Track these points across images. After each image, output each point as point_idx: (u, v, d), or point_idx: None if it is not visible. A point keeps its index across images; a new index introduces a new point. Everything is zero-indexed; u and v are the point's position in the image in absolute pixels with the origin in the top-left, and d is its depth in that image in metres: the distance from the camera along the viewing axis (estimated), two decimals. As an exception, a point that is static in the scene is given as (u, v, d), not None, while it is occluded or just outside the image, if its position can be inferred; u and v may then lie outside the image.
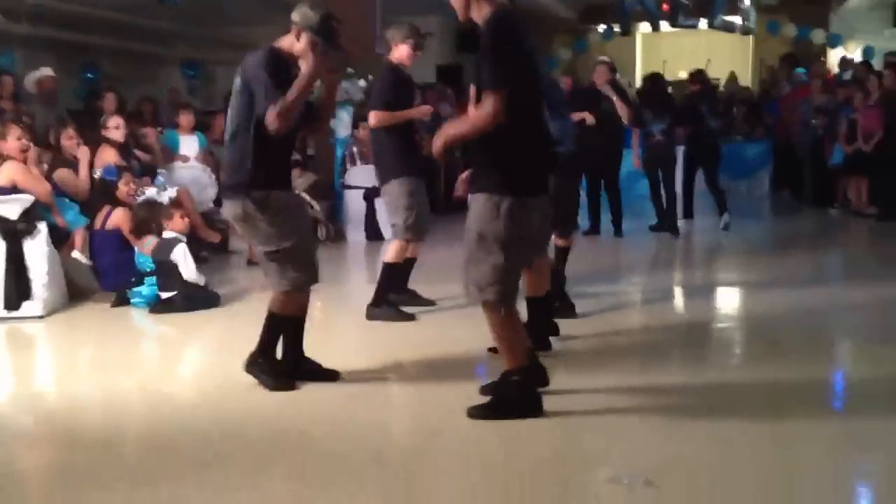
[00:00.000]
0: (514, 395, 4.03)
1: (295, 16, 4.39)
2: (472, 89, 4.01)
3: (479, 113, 3.83)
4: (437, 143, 4.02)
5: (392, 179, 6.06)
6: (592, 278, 6.84)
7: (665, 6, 16.24)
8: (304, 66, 4.28)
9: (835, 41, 16.97)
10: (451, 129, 4.11)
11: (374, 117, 6.03)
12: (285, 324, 4.58)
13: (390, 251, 6.17)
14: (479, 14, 3.94)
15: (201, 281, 6.79)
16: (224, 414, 4.29)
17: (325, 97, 4.60)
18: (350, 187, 10.44)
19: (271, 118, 4.17)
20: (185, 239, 6.85)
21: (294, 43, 4.38)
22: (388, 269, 6.13)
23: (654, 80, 10.21)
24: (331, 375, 4.68)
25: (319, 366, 4.69)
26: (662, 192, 9.92)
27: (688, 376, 4.82)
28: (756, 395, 4.42)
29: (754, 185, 13.94)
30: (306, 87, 4.25)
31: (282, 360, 4.62)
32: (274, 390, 4.48)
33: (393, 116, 5.98)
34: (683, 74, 22.30)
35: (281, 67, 4.30)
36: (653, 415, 4.12)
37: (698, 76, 10.65)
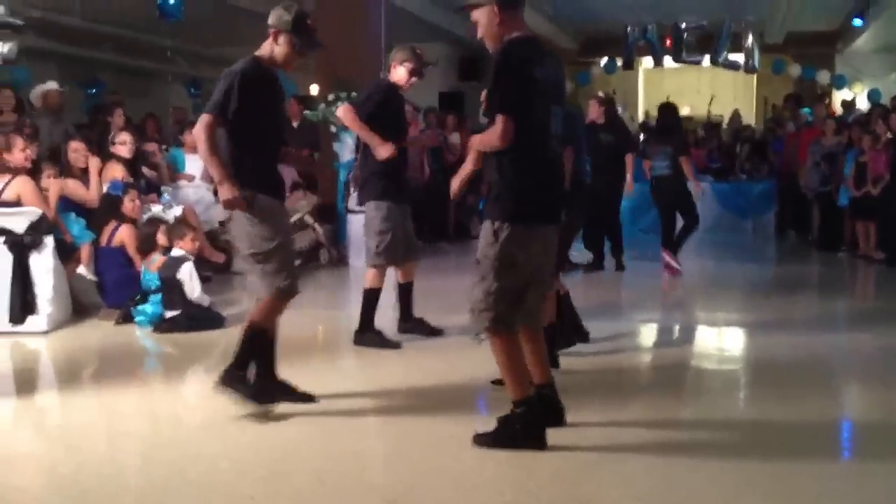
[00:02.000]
0: (517, 426, 3.99)
1: (270, 19, 4.47)
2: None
3: (489, 134, 3.96)
4: (454, 185, 4.34)
5: (369, 201, 6.00)
6: (595, 313, 6.75)
7: (668, 41, 16.29)
8: None
9: (840, 83, 17.07)
10: (463, 170, 4.28)
11: (345, 112, 5.86)
12: (262, 337, 4.49)
13: (367, 277, 6.08)
14: (497, 39, 4.05)
15: (206, 301, 6.70)
16: (224, 440, 4.19)
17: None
18: (353, 211, 10.34)
19: (199, 123, 4.30)
20: (192, 258, 6.77)
21: (274, 47, 4.48)
22: (367, 294, 6.04)
23: (665, 111, 10.07)
24: (306, 398, 4.60)
25: (295, 388, 4.61)
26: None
27: (690, 414, 4.75)
28: (758, 435, 4.35)
29: (760, 224, 13.87)
30: (220, 175, 4.29)
31: (253, 384, 4.49)
32: (254, 401, 4.38)
33: (359, 128, 5.81)
34: (687, 110, 22.49)
35: (254, 77, 4.37)
36: (653, 452, 4.05)
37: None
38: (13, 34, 9.24)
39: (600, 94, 9.65)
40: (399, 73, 6.00)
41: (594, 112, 9.35)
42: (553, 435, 4.03)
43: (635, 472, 3.84)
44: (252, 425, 4.33)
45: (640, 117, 21.53)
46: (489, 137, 3.95)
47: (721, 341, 6.74)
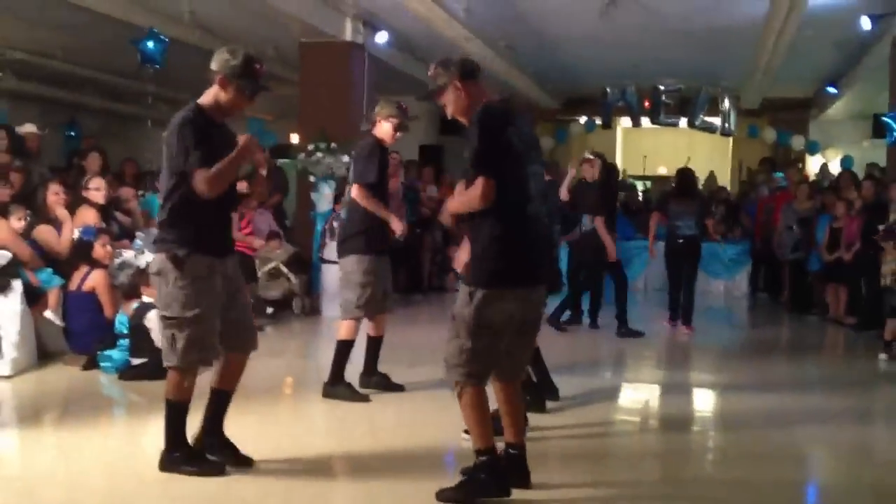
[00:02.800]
0: (481, 475, 4.00)
1: (213, 64, 4.25)
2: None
3: (469, 194, 3.98)
4: (446, 214, 4.45)
5: (351, 255, 5.99)
6: (566, 371, 6.73)
7: (647, 103, 16.49)
8: (240, 139, 4.22)
9: (813, 148, 17.31)
10: (454, 203, 4.20)
11: (359, 191, 5.92)
12: (180, 412, 4.29)
13: (342, 328, 6.05)
14: (467, 111, 4.16)
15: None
16: (184, 494, 4.11)
17: (258, 167, 4.58)
18: (327, 261, 10.30)
19: (199, 182, 4.06)
20: (161, 305, 6.69)
21: (219, 93, 4.25)
22: (341, 346, 6.01)
23: (684, 175, 10.16)
24: (246, 461, 4.42)
25: (237, 451, 4.45)
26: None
27: (658, 475, 4.72)
28: (729, 495, 4.34)
29: (732, 286, 13.97)
30: (235, 162, 4.17)
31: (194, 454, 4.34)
32: (205, 476, 4.23)
33: (375, 206, 5.91)
34: (664, 170, 22.71)
35: (200, 126, 4.15)
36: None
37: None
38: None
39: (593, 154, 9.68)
40: (384, 129, 6.04)
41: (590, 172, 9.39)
42: (516, 494, 3.99)
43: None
44: (213, 480, 4.26)
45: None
46: (469, 197, 3.97)
47: (692, 402, 6.73)
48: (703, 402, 6.83)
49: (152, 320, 6.49)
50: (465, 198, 4.03)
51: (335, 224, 10.32)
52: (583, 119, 18.92)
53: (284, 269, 9.88)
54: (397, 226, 5.97)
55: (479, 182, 3.90)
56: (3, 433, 5.25)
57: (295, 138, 12.92)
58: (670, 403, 6.66)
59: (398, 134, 6.08)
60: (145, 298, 6.69)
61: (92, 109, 16.51)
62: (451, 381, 4.04)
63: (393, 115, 6.02)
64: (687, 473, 4.76)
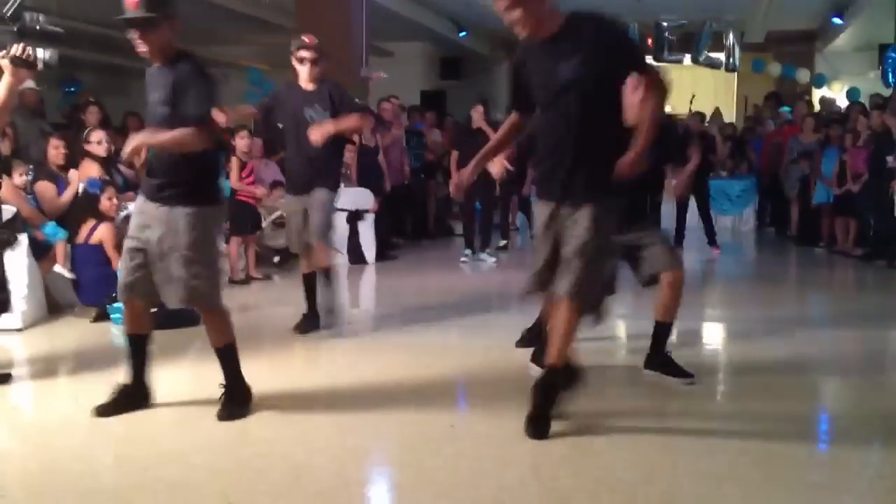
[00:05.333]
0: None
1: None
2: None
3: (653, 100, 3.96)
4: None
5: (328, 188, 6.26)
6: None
7: (649, 40, 16.32)
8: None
9: (819, 81, 17.14)
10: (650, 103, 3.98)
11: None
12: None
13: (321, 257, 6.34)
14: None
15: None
16: (198, 437, 4.14)
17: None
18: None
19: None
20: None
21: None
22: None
23: None
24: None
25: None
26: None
27: (668, 406, 4.71)
28: (738, 425, 4.36)
29: (740, 221, 13.95)
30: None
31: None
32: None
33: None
34: (668, 108, 22.55)
35: None
36: (631, 444, 4.04)
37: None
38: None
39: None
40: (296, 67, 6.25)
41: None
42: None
43: (613, 463, 3.83)
44: (227, 423, 4.29)
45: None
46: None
47: (701, 336, 6.74)
48: (712, 335, 6.84)
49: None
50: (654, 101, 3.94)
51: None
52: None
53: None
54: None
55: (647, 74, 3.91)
56: (17, 384, 5.29)
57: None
58: (680, 336, 6.66)
59: (310, 68, 6.14)
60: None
61: (91, 65, 16.38)
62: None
63: (293, 49, 6.17)
64: (695, 406, 4.74)
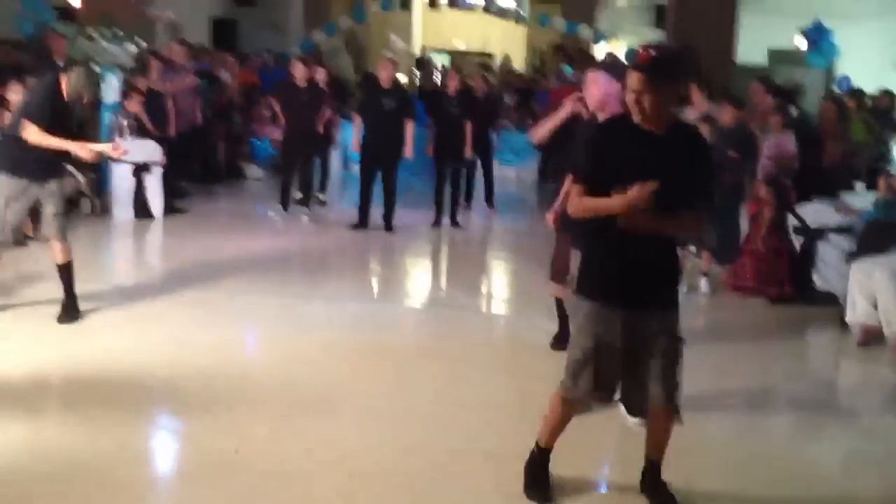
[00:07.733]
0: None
1: None
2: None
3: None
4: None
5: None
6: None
7: (444, -15, 16.57)
8: None
9: (599, 38, 17.93)
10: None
11: None
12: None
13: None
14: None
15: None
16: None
17: None
18: (117, 161, 9.65)
19: None
20: None
21: None
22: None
23: None
24: None
25: None
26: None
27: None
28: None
29: (524, 173, 14.39)
30: None
31: None
32: None
33: None
34: (462, 46, 22.96)
35: None
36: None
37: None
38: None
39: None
40: None
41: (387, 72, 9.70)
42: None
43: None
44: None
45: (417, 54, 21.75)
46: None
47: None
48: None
49: None
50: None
51: (123, 122, 9.73)
52: (381, -2, 18.71)
53: (70, 167, 9.29)
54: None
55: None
56: None
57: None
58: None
59: None
60: None
61: None
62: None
63: None
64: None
